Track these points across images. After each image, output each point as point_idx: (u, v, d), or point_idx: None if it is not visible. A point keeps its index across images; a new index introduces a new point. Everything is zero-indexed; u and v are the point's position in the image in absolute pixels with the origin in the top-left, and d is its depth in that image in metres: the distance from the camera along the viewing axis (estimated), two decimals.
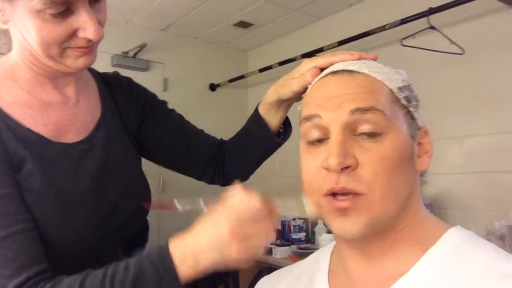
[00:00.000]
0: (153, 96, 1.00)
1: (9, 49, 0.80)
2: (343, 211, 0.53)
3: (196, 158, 0.98)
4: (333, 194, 0.54)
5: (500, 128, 2.21)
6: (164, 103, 1.02)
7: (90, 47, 0.75)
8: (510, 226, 1.94)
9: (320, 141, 0.57)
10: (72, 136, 0.82)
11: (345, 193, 0.53)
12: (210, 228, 0.64)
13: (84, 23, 0.71)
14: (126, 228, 0.87)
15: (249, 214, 0.62)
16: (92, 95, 0.89)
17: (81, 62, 0.76)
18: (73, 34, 0.72)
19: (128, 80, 0.98)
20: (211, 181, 1.00)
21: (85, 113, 0.85)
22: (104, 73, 0.95)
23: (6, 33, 0.79)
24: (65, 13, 0.69)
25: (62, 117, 0.81)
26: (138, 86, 0.99)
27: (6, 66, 0.79)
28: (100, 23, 0.74)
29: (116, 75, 0.97)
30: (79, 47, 0.74)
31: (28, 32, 0.71)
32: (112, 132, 0.88)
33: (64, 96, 0.83)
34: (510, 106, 2.18)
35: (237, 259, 0.62)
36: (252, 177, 1.01)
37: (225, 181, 0.99)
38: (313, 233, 2.88)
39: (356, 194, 0.53)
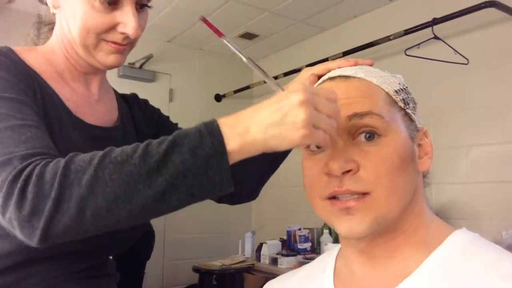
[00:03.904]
0: (167, 117, 1.04)
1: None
2: (348, 210, 0.54)
3: None
4: (335, 197, 0.55)
5: (506, 137, 2.20)
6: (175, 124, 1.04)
7: (124, 47, 0.80)
8: None
9: (320, 147, 0.57)
10: (92, 121, 0.83)
11: (349, 197, 0.54)
12: (275, 97, 0.56)
13: (127, 19, 0.76)
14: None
15: (324, 91, 0.56)
16: (111, 103, 0.92)
17: (111, 59, 0.80)
18: (113, 27, 0.77)
19: (145, 100, 1.03)
20: (218, 200, 0.98)
21: (104, 113, 0.87)
22: (123, 94, 1.01)
23: (49, 25, 0.86)
24: (113, 5, 0.76)
25: (83, 104, 0.83)
26: (153, 106, 1.03)
27: (42, 49, 0.84)
28: (141, 28, 0.80)
29: (135, 94, 1.02)
30: (114, 42, 0.78)
31: (74, 16, 0.76)
32: (129, 138, 0.89)
33: (88, 91, 0.86)
34: None
35: (299, 131, 0.53)
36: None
37: (233, 199, 0.98)
38: (318, 243, 2.87)
39: (361, 194, 0.53)
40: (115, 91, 0.97)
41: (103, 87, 0.89)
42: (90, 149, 0.63)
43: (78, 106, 0.81)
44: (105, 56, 0.79)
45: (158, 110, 1.03)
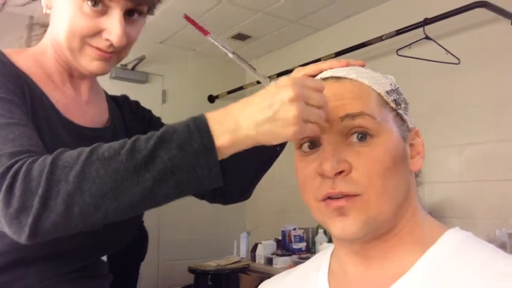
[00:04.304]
0: (158, 118, 1.03)
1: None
2: (340, 210, 0.54)
3: None
4: (329, 198, 0.55)
5: (498, 136, 2.22)
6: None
7: (108, 54, 0.78)
8: (511, 234, 1.95)
9: (313, 148, 0.58)
10: (81, 122, 0.82)
11: (342, 197, 0.54)
12: (264, 93, 0.56)
13: (112, 25, 0.74)
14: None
15: (312, 82, 0.56)
16: (102, 104, 0.91)
17: (94, 65, 0.78)
18: (98, 33, 0.75)
19: (136, 101, 1.02)
20: (211, 200, 0.98)
21: (94, 114, 0.86)
22: (113, 95, 1.00)
23: (43, 27, 0.85)
24: (101, 10, 0.74)
25: (73, 105, 0.82)
26: (144, 107, 1.02)
27: (33, 51, 0.83)
28: (129, 38, 0.78)
29: (125, 96, 1.01)
30: (98, 48, 0.76)
31: (63, 18, 0.75)
32: (119, 138, 0.86)
33: (78, 93, 0.85)
34: (507, 114, 2.20)
35: (290, 127, 0.54)
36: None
37: (226, 199, 0.98)
38: (313, 243, 2.88)
39: (353, 196, 0.54)
40: (106, 93, 0.96)
41: (93, 89, 0.88)
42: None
43: (68, 108, 0.81)
44: (89, 61, 0.77)
45: (149, 111, 1.02)
